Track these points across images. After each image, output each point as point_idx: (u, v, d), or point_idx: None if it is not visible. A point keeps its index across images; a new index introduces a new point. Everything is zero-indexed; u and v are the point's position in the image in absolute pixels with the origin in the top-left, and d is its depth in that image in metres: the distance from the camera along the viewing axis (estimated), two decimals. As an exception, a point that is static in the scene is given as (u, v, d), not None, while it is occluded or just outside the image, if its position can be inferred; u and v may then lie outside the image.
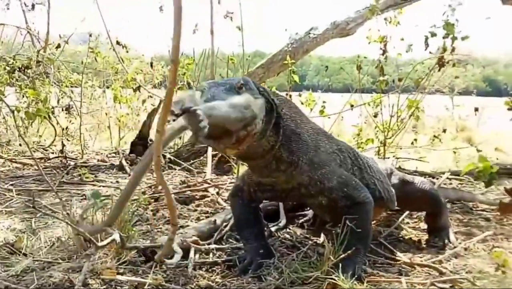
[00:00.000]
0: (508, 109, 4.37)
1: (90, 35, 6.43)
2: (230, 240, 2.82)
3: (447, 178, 4.84)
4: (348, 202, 2.39)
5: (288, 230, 3.10)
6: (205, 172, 4.40)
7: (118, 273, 2.14)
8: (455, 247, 2.83)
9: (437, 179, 4.71)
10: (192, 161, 4.98)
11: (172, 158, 4.94)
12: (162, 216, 3.25)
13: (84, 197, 3.67)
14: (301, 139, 2.31)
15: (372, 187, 2.67)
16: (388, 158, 5.09)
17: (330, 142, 2.56)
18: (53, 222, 3.07)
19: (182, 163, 4.85)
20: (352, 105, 5.20)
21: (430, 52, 4.62)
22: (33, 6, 6.55)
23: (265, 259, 2.39)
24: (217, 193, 3.78)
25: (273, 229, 2.98)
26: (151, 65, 6.86)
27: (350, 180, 2.45)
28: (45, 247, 2.58)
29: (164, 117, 1.56)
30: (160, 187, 3.69)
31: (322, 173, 2.37)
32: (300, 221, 3.29)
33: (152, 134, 5.40)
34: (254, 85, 2.16)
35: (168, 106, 1.54)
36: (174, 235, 1.91)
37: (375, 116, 5.13)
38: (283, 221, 3.14)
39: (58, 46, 6.25)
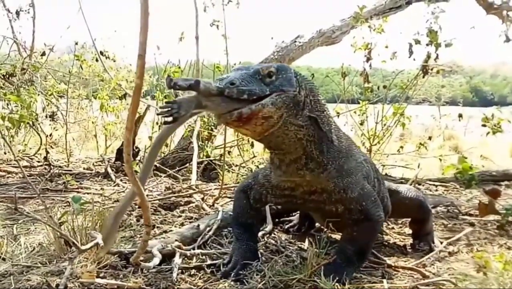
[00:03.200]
0: (482, 125, 4.50)
1: (76, 43, 6.42)
2: (214, 245, 2.81)
3: (433, 185, 4.89)
4: (362, 216, 2.34)
5: (273, 235, 3.09)
6: (190, 179, 4.38)
7: (98, 277, 2.12)
8: (440, 252, 2.83)
9: (423, 185, 4.74)
10: (178, 168, 4.97)
11: (157, 165, 4.92)
12: (146, 222, 3.22)
13: (67, 204, 3.63)
14: (333, 143, 2.25)
15: (385, 201, 2.66)
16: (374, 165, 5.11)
17: (359, 152, 2.55)
18: (35, 227, 3.04)
19: (168, 170, 4.83)
20: (338, 113, 5.21)
21: (414, 60, 4.67)
22: (17, 13, 6.53)
23: (249, 262, 2.38)
24: (202, 199, 3.76)
25: (259, 234, 2.97)
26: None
27: (371, 195, 2.40)
28: (25, 252, 2.55)
29: (133, 114, 1.55)
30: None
31: (348, 181, 2.31)
32: (286, 226, 3.29)
33: (138, 142, 5.39)
34: (294, 76, 2.07)
35: (136, 101, 1.53)
36: (148, 236, 1.89)
37: (362, 124, 5.15)
38: (269, 226, 3.13)
39: (43, 54, 6.22)
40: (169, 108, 1.77)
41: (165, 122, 1.82)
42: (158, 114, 1.79)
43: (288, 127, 2.04)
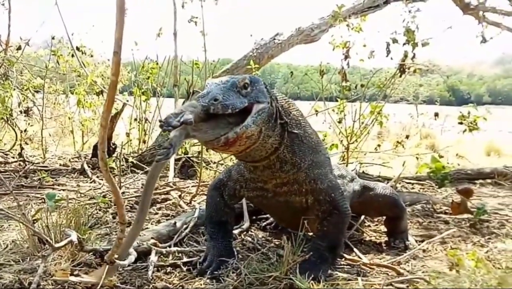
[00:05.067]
0: (459, 123, 4.58)
1: (53, 38, 6.32)
2: (190, 242, 2.80)
3: (409, 183, 4.93)
4: (330, 207, 2.41)
5: (250, 232, 3.10)
6: (168, 176, 4.36)
7: (71, 275, 2.10)
8: (414, 249, 2.86)
9: (399, 183, 4.78)
10: (155, 165, 4.93)
11: (135, 161, 4.88)
12: (122, 219, 3.19)
13: (43, 200, 3.59)
14: (303, 142, 2.33)
15: None
16: (352, 163, 5.14)
17: (325, 148, 2.62)
18: (9, 225, 3.00)
19: (145, 167, 4.80)
20: (316, 111, 5.22)
21: (391, 59, 4.71)
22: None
23: (225, 259, 2.39)
24: (179, 196, 3.74)
25: (236, 231, 2.97)
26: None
27: (338, 187, 2.48)
28: (-2, 250, 2.51)
29: (108, 111, 1.54)
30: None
31: (318, 172, 2.39)
32: (263, 224, 3.29)
33: (115, 138, 5.34)
34: (264, 87, 2.16)
35: (111, 98, 1.52)
36: (123, 233, 1.87)
37: (339, 122, 5.17)
38: (246, 224, 3.14)
39: (19, 48, 6.11)
40: (167, 154, 1.80)
41: (158, 160, 1.83)
42: (157, 161, 1.80)
43: (266, 140, 2.14)
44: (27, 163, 5.03)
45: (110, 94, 1.52)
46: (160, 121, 1.83)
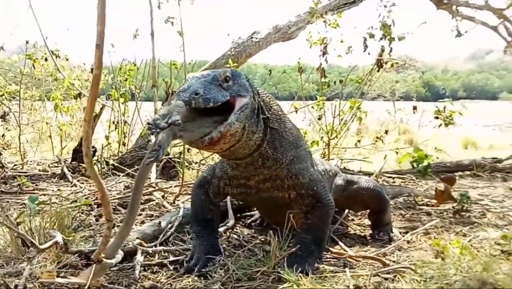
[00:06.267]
0: (435, 117, 4.66)
1: (27, 42, 6.24)
2: (176, 242, 2.79)
3: (390, 177, 4.99)
4: (314, 200, 2.43)
5: (235, 230, 3.10)
6: (149, 177, 4.33)
7: (58, 276, 2.07)
8: (399, 240, 2.89)
9: (380, 177, 4.83)
10: (136, 167, 4.89)
11: (116, 164, 4.84)
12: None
13: (23, 206, 3.54)
14: (284, 137, 2.34)
15: None
16: (333, 159, 5.18)
17: (305, 142, 2.63)
18: (-10, 230, 2.94)
19: (126, 169, 4.76)
20: (296, 108, 5.25)
21: (368, 54, 4.76)
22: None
23: (212, 256, 2.39)
24: (163, 197, 3.73)
25: (221, 229, 2.97)
26: (92, 71, 6.67)
27: (320, 181, 2.50)
28: (-19, 255, 2.47)
29: (92, 106, 1.53)
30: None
31: (299, 167, 2.40)
32: (248, 221, 3.30)
33: (94, 142, 5.29)
34: (246, 81, 2.15)
35: (94, 93, 1.51)
36: (110, 231, 1.85)
37: (319, 119, 5.21)
38: (231, 222, 3.13)
39: (-8, 53, 6.04)
40: (157, 156, 1.78)
41: (148, 163, 1.82)
42: (147, 164, 1.79)
43: (250, 137, 2.14)
44: (5, 168, 4.95)
45: (94, 89, 1.51)
46: (148, 123, 1.81)
